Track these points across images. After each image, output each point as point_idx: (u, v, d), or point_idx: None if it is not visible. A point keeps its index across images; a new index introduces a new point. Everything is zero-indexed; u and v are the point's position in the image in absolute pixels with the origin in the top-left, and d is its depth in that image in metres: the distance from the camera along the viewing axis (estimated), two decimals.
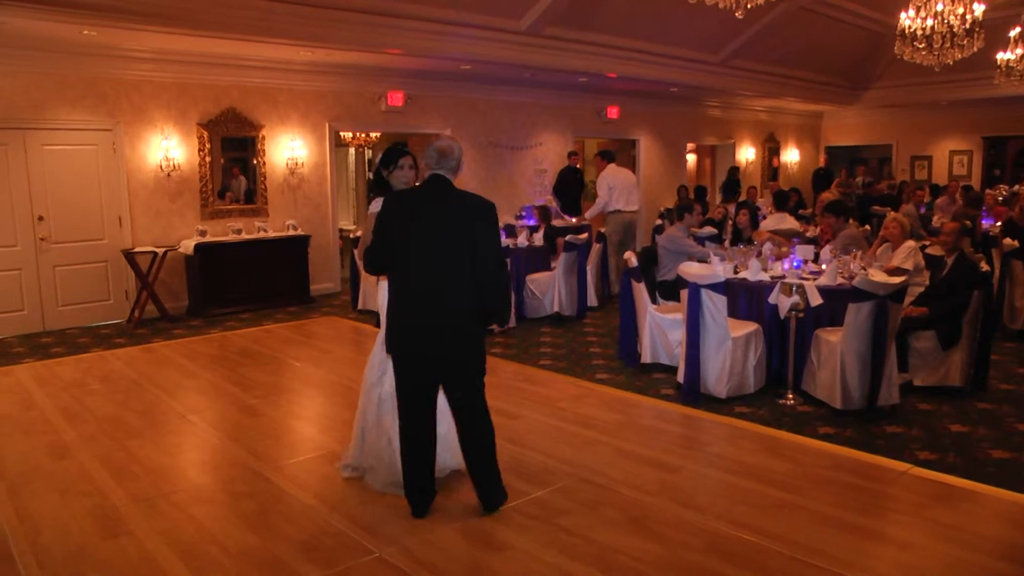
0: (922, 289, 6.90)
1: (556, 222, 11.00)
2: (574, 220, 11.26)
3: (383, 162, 4.64)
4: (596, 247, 10.33)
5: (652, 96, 15.37)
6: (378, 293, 4.65)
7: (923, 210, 13.04)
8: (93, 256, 9.59)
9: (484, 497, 4.23)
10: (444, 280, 3.93)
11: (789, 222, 10.35)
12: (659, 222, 12.77)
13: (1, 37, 8.22)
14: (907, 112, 18.66)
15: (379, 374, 4.54)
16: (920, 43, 8.65)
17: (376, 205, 4.44)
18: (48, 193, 9.17)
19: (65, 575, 3.66)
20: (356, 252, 4.80)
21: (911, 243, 7.67)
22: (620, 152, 16.40)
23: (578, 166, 13.45)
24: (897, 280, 5.75)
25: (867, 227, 10.83)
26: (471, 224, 3.94)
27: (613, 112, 15.10)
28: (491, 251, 4.00)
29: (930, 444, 5.27)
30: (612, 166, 11.08)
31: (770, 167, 19.40)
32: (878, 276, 5.85)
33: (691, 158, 18.59)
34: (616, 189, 10.80)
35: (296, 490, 4.57)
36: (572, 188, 13.18)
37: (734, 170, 17.41)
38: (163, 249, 9.68)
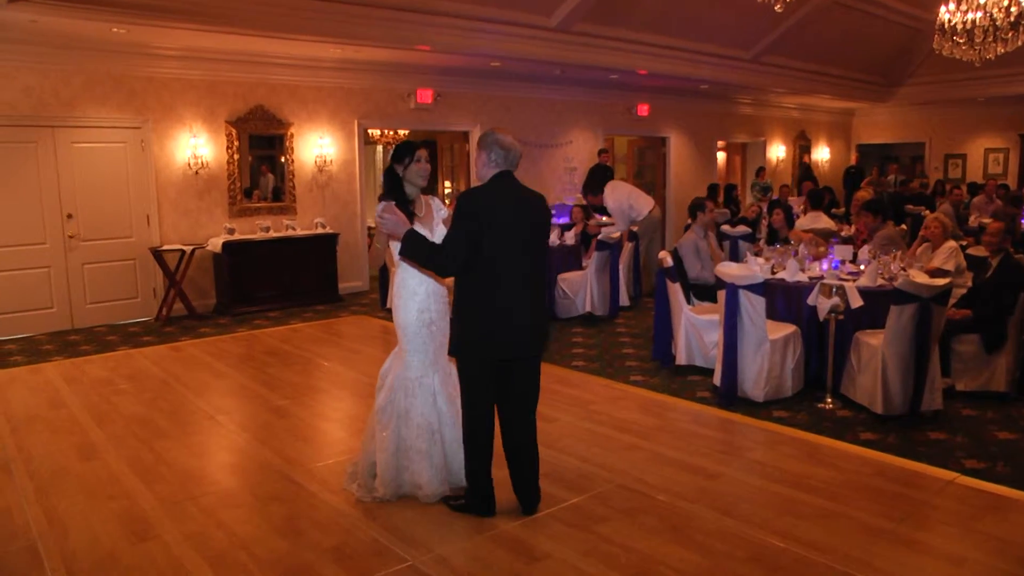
0: (964, 291, 6.71)
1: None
2: (604, 219, 11.10)
3: (396, 157, 4.29)
4: (628, 246, 10.19)
5: (682, 93, 15.20)
6: (402, 298, 4.28)
7: (960, 209, 12.78)
8: (121, 254, 9.60)
9: (530, 498, 4.20)
10: (530, 278, 4.00)
11: (824, 221, 10.16)
12: (690, 221, 12.58)
13: (31, 35, 8.23)
14: (941, 109, 18.31)
15: (378, 385, 4.42)
16: (960, 38, 8.43)
17: (380, 207, 4.07)
18: (77, 191, 9.17)
19: None
20: (368, 252, 4.60)
21: (952, 243, 7.47)
22: (649, 150, 16.28)
23: (608, 164, 13.29)
24: (942, 282, 5.57)
25: (903, 227, 10.61)
26: (542, 221, 4.09)
27: (643, 109, 14.94)
28: (547, 246, 4.29)
29: (977, 452, 5.09)
30: (607, 187, 10.87)
31: (801, 165, 19.14)
32: (920, 277, 5.67)
33: (720, 156, 18.38)
34: (633, 206, 10.60)
35: (326, 494, 4.48)
36: (602, 186, 13.01)
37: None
38: (191, 247, 9.67)
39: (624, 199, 10.67)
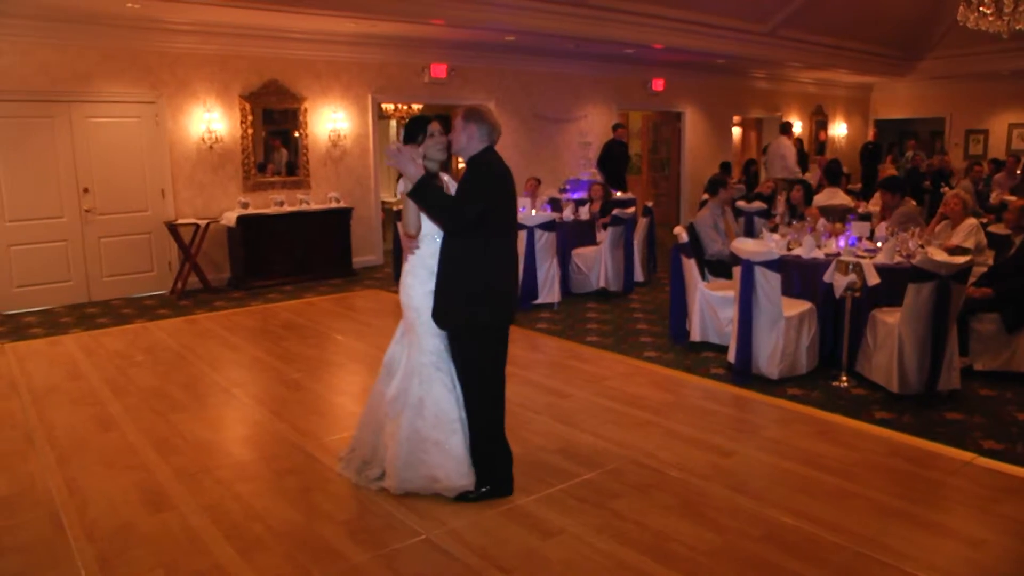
0: (984, 269, 6.63)
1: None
2: (620, 194, 11.10)
3: (409, 137, 4.04)
4: (643, 222, 10.13)
5: (698, 67, 15.05)
6: (418, 277, 4.18)
7: (980, 186, 12.62)
8: (137, 228, 9.62)
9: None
10: (516, 242, 4.17)
11: (841, 197, 10.08)
12: (705, 197, 12.52)
13: (47, 11, 8.22)
14: (963, 83, 17.99)
15: (383, 372, 4.30)
16: (987, 8, 8.25)
17: (404, 184, 3.85)
18: (93, 165, 9.19)
19: (113, 550, 3.64)
20: (401, 230, 4.49)
21: (972, 221, 7.37)
22: (664, 125, 16.17)
23: (624, 139, 13.19)
24: (962, 260, 5.51)
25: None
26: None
27: (659, 84, 14.82)
28: None
29: (995, 433, 5.04)
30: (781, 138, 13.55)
31: (817, 141, 18.96)
32: (939, 255, 5.61)
33: (736, 131, 18.22)
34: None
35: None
36: (617, 161, 12.96)
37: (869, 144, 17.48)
38: (205, 221, 9.68)
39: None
